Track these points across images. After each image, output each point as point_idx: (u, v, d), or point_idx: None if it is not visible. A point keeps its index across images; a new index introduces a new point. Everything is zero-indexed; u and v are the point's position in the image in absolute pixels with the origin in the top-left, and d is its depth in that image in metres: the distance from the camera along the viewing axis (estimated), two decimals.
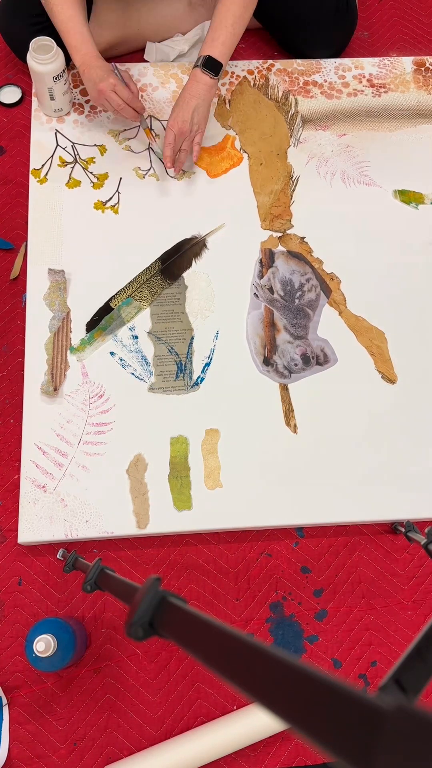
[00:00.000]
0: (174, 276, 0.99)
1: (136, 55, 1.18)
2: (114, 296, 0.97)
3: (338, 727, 0.22)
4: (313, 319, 0.98)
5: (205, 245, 1.01)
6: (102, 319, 0.96)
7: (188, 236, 1.01)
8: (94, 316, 0.96)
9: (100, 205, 1.03)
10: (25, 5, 1.04)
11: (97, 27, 1.06)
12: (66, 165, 1.05)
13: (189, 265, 1.00)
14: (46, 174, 1.04)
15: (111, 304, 0.97)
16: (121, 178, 1.05)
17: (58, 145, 1.06)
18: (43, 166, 1.04)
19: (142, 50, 1.17)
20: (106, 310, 0.96)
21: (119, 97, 0.92)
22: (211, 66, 0.93)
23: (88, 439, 0.90)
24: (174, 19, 1.14)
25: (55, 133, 1.07)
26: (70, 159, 1.05)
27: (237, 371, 0.94)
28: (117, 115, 0.96)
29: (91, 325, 0.96)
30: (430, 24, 1.25)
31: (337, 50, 1.17)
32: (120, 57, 1.16)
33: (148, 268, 0.99)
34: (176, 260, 0.99)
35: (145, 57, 1.17)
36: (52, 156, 1.05)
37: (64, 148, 1.06)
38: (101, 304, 0.97)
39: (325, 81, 1.12)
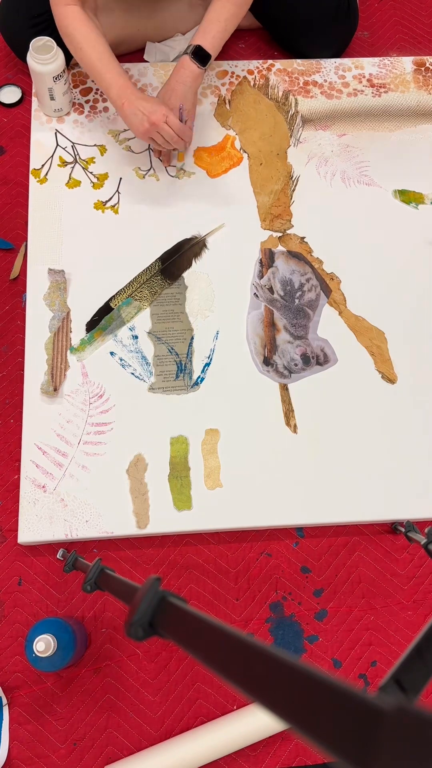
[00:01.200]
0: (174, 276, 0.99)
1: (136, 54, 1.18)
2: (114, 296, 0.97)
3: (338, 727, 0.22)
4: (313, 319, 0.98)
5: (205, 245, 1.01)
6: (102, 319, 0.96)
7: (188, 236, 1.01)
8: (94, 316, 0.96)
9: (100, 205, 1.03)
10: (25, 5, 1.04)
11: None
12: (66, 165, 1.05)
13: (189, 265, 1.00)
14: (46, 174, 1.04)
15: (111, 304, 0.97)
16: (121, 178, 1.05)
17: (58, 145, 1.06)
18: (43, 166, 1.04)
19: (142, 50, 1.17)
20: (105, 310, 0.96)
21: (171, 129, 0.90)
22: (200, 56, 0.93)
23: (88, 439, 0.90)
24: (174, 19, 1.14)
25: (55, 133, 1.07)
26: (70, 159, 1.05)
27: (237, 371, 0.94)
28: (163, 148, 0.96)
29: (91, 325, 0.96)
30: (430, 24, 1.25)
31: (337, 50, 1.17)
32: (120, 57, 1.16)
33: (148, 268, 0.99)
34: (176, 260, 0.99)
35: (145, 57, 1.17)
36: (52, 156, 1.05)
37: (64, 148, 1.06)
38: (101, 304, 0.97)
39: (325, 81, 1.12)
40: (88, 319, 0.96)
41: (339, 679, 0.23)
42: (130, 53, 1.17)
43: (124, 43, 1.13)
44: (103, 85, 0.92)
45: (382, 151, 1.08)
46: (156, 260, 0.99)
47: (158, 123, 0.89)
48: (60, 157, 1.05)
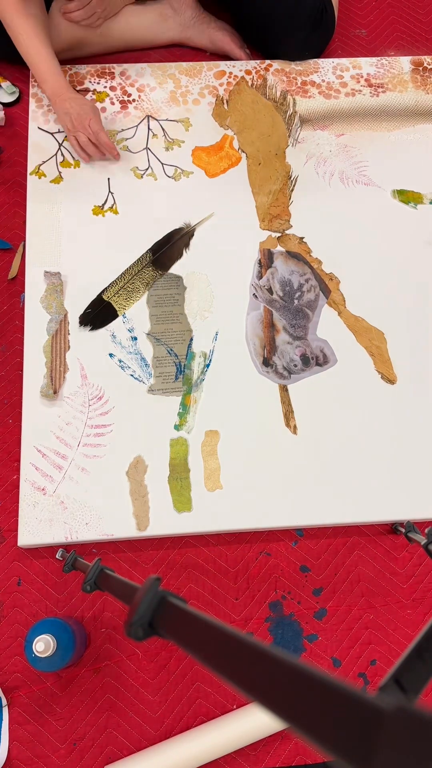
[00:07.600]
0: (165, 266, 1.00)
1: (133, 54, 1.17)
2: (106, 288, 0.97)
3: (338, 726, 0.22)
4: (312, 319, 0.98)
5: (192, 235, 1.01)
6: (93, 311, 0.96)
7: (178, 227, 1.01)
8: (87, 308, 0.96)
9: (99, 211, 1.03)
10: None
11: (54, 27, 1.05)
12: (63, 164, 1.04)
13: (180, 256, 1.00)
14: (44, 174, 1.04)
15: (103, 297, 0.97)
16: (109, 178, 1.04)
17: (57, 143, 1.06)
18: (40, 165, 1.04)
19: (111, 54, 1.15)
20: (98, 302, 0.97)
21: (96, 150, 1.01)
22: None
23: (87, 442, 0.90)
24: (140, 28, 1.12)
25: (53, 133, 1.06)
26: (68, 159, 1.05)
27: (236, 372, 0.94)
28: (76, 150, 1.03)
29: (84, 318, 0.96)
30: (428, 23, 1.25)
31: (312, 57, 1.14)
32: (85, 59, 1.13)
33: (139, 259, 1.00)
34: (167, 251, 1.00)
35: None
36: (49, 155, 1.05)
37: (61, 148, 1.05)
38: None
39: (323, 81, 1.12)
40: (87, 320, 0.96)
41: (339, 678, 0.23)
42: (94, 56, 1.14)
43: (84, 46, 1.10)
44: (38, 78, 1.00)
45: (380, 151, 1.09)
46: (147, 251, 1.00)
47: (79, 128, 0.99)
48: (58, 157, 1.05)
